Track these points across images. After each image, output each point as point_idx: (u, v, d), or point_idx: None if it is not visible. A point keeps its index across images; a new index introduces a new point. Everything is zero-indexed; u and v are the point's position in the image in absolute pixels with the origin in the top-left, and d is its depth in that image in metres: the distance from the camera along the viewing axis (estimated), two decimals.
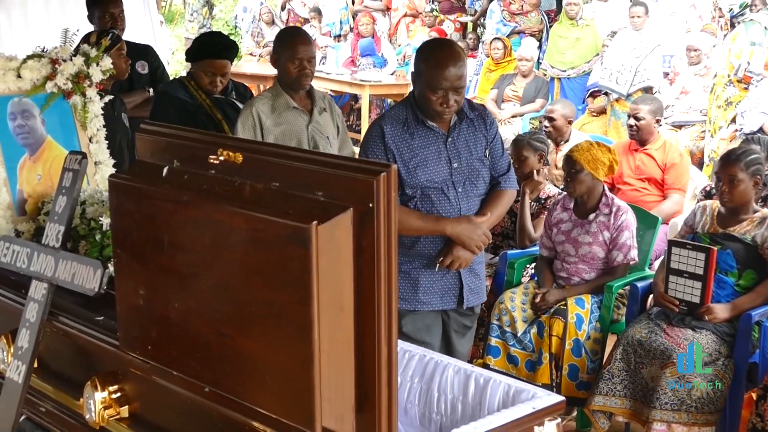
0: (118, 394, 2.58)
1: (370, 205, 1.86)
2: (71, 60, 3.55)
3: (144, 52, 6.11)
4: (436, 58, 3.69)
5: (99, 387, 2.56)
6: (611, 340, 4.60)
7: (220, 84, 5.11)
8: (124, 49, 5.19)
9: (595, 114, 9.82)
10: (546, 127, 6.87)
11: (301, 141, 4.50)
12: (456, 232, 3.76)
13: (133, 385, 2.57)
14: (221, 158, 2.14)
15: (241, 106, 5.11)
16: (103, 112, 3.69)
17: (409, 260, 3.85)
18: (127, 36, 5.67)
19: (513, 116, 9.89)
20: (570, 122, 6.83)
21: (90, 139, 3.66)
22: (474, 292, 3.99)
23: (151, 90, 5.86)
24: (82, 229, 3.08)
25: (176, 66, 18.66)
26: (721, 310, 4.27)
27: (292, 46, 4.50)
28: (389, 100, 12.72)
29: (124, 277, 2.39)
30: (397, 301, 1.92)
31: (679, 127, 9.15)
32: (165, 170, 2.30)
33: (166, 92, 5.27)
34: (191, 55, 5.25)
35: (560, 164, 5.81)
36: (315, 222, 1.85)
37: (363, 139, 3.97)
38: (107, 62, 3.64)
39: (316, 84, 12.57)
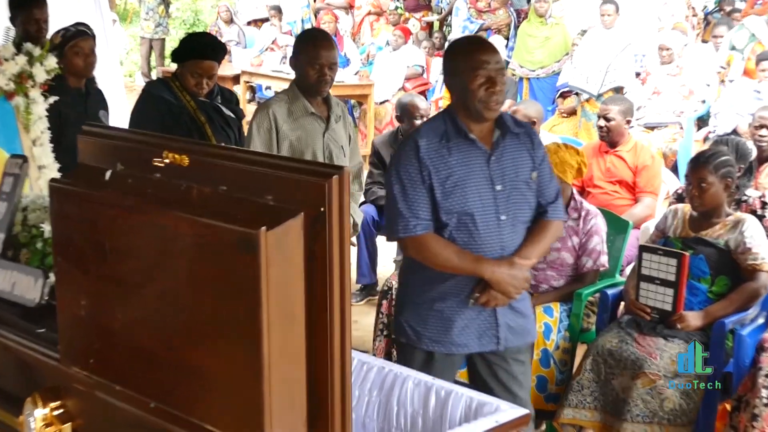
0: (60, 411, 2.53)
1: (322, 209, 1.84)
2: (13, 59, 3.51)
3: None
4: (471, 52, 3.48)
5: (40, 403, 2.51)
6: (581, 350, 4.61)
7: (206, 86, 5.04)
8: (81, 46, 5.27)
9: (565, 115, 9.87)
10: None
11: (315, 150, 4.51)
12: (496, 277, 3.49)
13: (75, 401, 2.52)
14: (166, 161, 2.11)
15: (226, 111, 5.19)
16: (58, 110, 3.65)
17: (440, 297, 3.60)
18: None
19: None
20: (534, 123, 6.80)
21: (33, 142, 3.63)
22: (515, 332, 3.68)
23: None
24: (24, 236, 3.03)
25: (131, 66, 18.57)
26: (693, 318, 4.29)
27: (313, 49, 4.50)
28: (352, 102, 12.71)
29: (65, 286, 2.35)
30: (350, 308, 1.90)
31: (652, 128, 9.20)
32: (108, 174, 2.26)
33: (149, 92, 5.20)
34: (177, 55, 5.17)
35: None
36: (263, 227, 1.82)
37: (394, 157, 3.70)
38: (52, 62, 3.61)
39: (276, 85, 12.60)
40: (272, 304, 1.86)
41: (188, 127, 4.97)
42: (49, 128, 3.66)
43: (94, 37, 5.53)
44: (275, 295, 1.86)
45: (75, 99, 5.44)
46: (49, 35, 5.57)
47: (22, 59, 3.51)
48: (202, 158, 2.09)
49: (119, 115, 7.38)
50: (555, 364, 4.56)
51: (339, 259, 1.87)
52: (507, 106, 9.56)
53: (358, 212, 4.92)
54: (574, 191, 4.94)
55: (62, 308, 2.37)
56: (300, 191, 1.88)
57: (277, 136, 4.47)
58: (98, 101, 5.69)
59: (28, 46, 3.63)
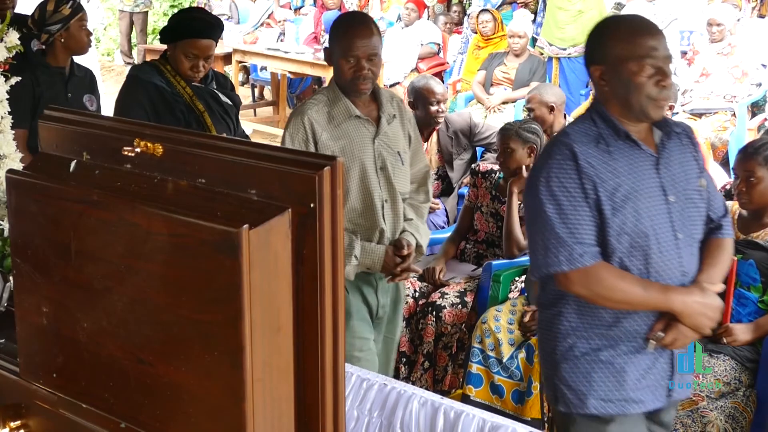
0: (21, 431, 2.56)
1: (312, 205, 1.85)
2: None
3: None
4: (636, 35, 3.21)
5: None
6: None
7: (203, 69, 4.97)
8: (86, 20, 5.33)
9: None
10: (528, 117, 6.84)
11: (365, 160, 4.20)
12: (689, 309, 3.19)
13: (38, 420, 2.54)
14: (137, 150, 2.12)
15: (223, 97, 5.11)
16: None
17: (610, 343, 3.27)
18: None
19: (504, 102, 9.89)
20: (553, 109, 6.77)
21: None
22: (684, 380, 3.42)
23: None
24: None
25: (109, 44, 18.62)
26: (741, 332, 4.29)
27: (345, 38, 4.16)
28: None
29: (25, 291, 2.36)
30: (343, 318, 1.91)
31: (699, 115, 9.18)
32: (73, 164, 2.27)
33: (137, 77, 5.05)
34: (168, 34, 5.04)
35: None
36: (246, 226, 1.83)
37: (539, 170, 3.28)
38: (13, 37, 3.62)
39: (272, 65, 12.59)
40: (256, 312, 1.87)
41: (185, 118, 4.91)
42: (10, 112, 3.66)
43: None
44: (259, 303, 1.87)
45: (54, 79, 5.49)
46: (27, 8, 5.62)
47: None
48: (177, 147, 2.10)
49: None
50: None
51: (331, 262, 1.88)
52: (522, 91, 9.56)
53: (424, 230, 4.42)
54: None
55: (22, 316, 2.39)
56: (287, 185, 1.89)
57: (316, 148, 4.15)
58: (84, 84, 5.71)
59: None
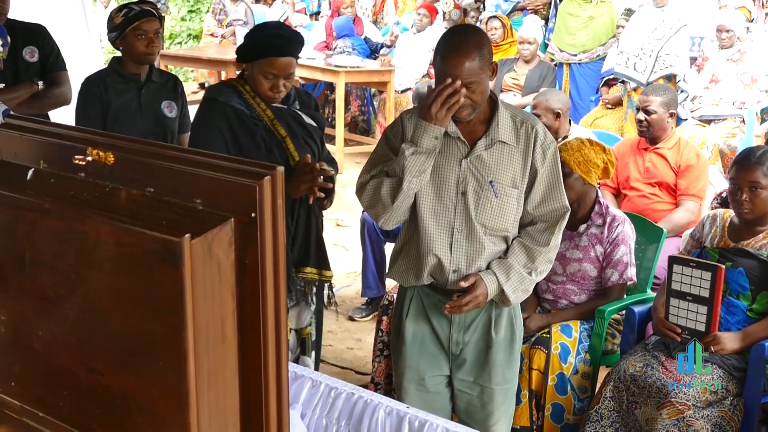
0: None
1: (253, 215, 1.84)
2: None
3: (34, 34, 5.94)
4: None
5: None
6: (604, 375, 4.59)
7: (283, 89, 4.59)
8: (145, 29, 5.28)
9: (609, 106, 9.83)
10: None
11: (445, 180, 3.88)
12: None
13: (6, 428, 2.54)
14: (89, 158, 2.11)
15: (306, 119, 4.74)
16: None
17: None
18: (51, 17, 5.64)
19: None
20: (559, 116, 6.75)
21: None
22: None
23: (40, 83, 5.79)
24: None
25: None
26: (729, 340, 4.26)
27: (442, 63, 3.75)
28: (372, 90, 12.71)
29: None
30: (286, 329, 1.90)
31: (708, 122, 9.15)
32: (30, 173, 2.27)
33: (214, 100, 4.67)
34: (245, 53, 4.67)
35: None
36: (187, 235, 1.82)
37: None
38: None
39: None
40: (199, 322, 1.86)
41: (266, 144, 4.58)
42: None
43: (161, 18, 5.47)
44: (203, 313, 1.86)
45: (127, 86, 5.43)
46: (20, 15, 5.62)
47: None
48: (128, 156, 2.10)
49: None
50: (573, 390, 4.55)
51: (273, 272, 1.87)
52: (531, 97, 9.56)
53: (517, 277, 3.88)
54: (599, 194, 4.93)
55: None
56: (231, 194, 1.88)
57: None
58: (164, 90, 5.58)
59: None
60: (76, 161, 2.13)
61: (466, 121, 3.82)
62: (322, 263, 4.69)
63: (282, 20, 14.79)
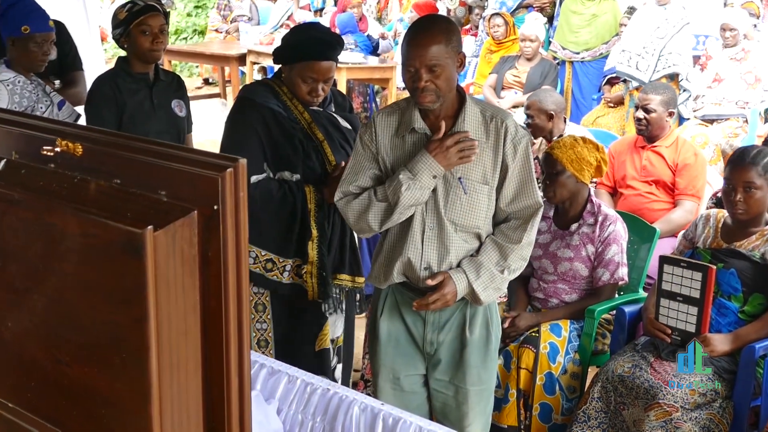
0: None
1: (216, 207, 1.85)
2: None
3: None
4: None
5: None
6: (592, 375, 4.59)
7: (322, 93, 4.51)
8: (149, 24, 5.18)
9: (611, 105, 9.82)
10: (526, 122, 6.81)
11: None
12: None
13: None
14: (57, 149, 2.12)
15: (342, 122, 4.65)
16: None
17: None
18: (49, 12, 5.57)
19: (514, 106, 9.86)
20: (551, 117, 6.70)
21: None
22: None
23: (57, 81, 5.74)
24: None
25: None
26: (720, 342, 4.26)
27: (405, 45, 3.75)
28: (375, 87, 12.71)
29: None
30: (248, 322, 1.91)
31: (711, 121, 9.13)
32: (2, 164, 2.28)
33: (250, 99, 4.58)
34: (284, 55, 4.59)
35: None
36: (150, 227, 1.83)
37: None
38: None
39: None
40: (162, 314, 1.86)
41: (304, 147, 4.48)
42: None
43: (165, 14, 5.37)
44: (165, 306, 1.87)
45: (138, 86, 5.32)
46: None
47: None
48: (95, 147, 2.10)
49: None
50: (561, 390, 4.56)
51: (235, 265, 1.88)
52: (525, 96, 9.55)
53: (488, 276, 3.83)
54: (591, 192, 4.94)
55: None
56: (194, 186, 1.89)
57: (377, 156, 3.91)
58: (171, 89, 5.49)
59: None
60: (45, 152, 2.14)
61: (435, 116, 3.79)
62: (356, 270, 4.63)
63: (287, 16, 14.82)
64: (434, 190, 3.77)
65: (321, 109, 4.61)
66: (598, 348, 4.76)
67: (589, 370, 4.70)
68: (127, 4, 5.24)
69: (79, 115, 5.19)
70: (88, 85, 5.54)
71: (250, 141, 4.41)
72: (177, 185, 1.92)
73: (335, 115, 4.66)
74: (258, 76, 14.30)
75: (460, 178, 3.78)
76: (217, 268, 1.87)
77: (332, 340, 4.63)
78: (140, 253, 1.84)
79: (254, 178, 4.40)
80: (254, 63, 12.99)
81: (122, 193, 2.00)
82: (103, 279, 1.96)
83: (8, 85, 4.68)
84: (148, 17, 5.20)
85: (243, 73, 13.47)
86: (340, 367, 4.71)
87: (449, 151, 3.66)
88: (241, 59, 12.89)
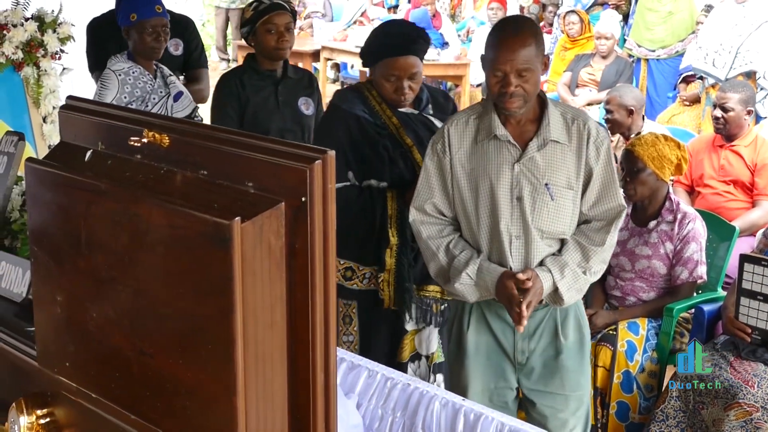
0: (47, 419, 2.56)
1: (303, 198, 1.82)
2: (22, 26, 3.56)
3: (180, 26, 5.86)
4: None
5: (25, 410, 2.55)
6: (670, 374, 4.52)
7: (409, 91, 4.32)
8: (276, 23, 5.14)
9: (687, 103, 9.68)
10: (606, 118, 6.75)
11: (497, 187, 3.68)
12: None
13: (64, 409, 2.55)
14: (144, 140, 2.11)
15: (438, 124, 4.36)
16: None
17: None
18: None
19: (589, 104, 9.77)
20: (632, 113, 6.62)
21: (44, 119, 3.68)
22: None
23: (181, 77, 5.68)
24: (17, 224, 3.08)
25: (206, 40, 18.68)
26: None
27: (493, 48, 3.60)
28: (448, 84, 12.67)
29: (41, 280, 2.37)
30: (335, 314, 1.88)
31: None
32: (88, 154, 2.28)
33: (338, 107, 4.49)
34: (367, 55, 4.48)
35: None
36: (238, 218, 1.81)
37: None
38: (66, 29, 3.65)
39: (358, 62, 12.63)
40: (248, 306, 1.85)
41: (390, 154, 4.35)
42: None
43: (293, 13, 5.34)
44: (252, 297, 1.85)
45: (264, 83, 5.29)
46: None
47: (32, 25, 3.55)
48: (182, 138, 2.09)
49: None
50: (639, 388, 4.50)
51: (322, 257, 1.85)
52: (600, 94, 9.48)
53: (572, 275, 3.69)
54: (670, 190, 4.86)
55: (38, 304, 2.40)
56: (281, 178, 1.87)
57: (450, 164, 3.75)
58: (300, 87, 5.42)
59: (41, 9, 3.67)
60: (132, 143, 2.13)
61: (516, 121, 3.67)
62: None
63: (360, 13, 14.80)
64: (520, 199, 3.64)
65: (416, 112, 4.44)
66: (676, 347, 4.69)
67: (667, 368, 4.63)
68: (253, 2, 5.22)
69: (196, 108, 5.17)
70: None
71: (332, 149, 4.30)
72: (264, 177, 1.91)
73: (431, 117, 4.47)
74: (331, 73, 14.34)
75: (546, 184, 3.65)
76: (304, 261, 1.85)
77: (427, 357, 4.47)
78: (227, 245, 1.82)
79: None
80: (328, 59, 13.02)
81: (209, 185, 1.99)
82: (188, 270, 1.95)
83: (120, 75, 4.67)
84: (273, 15, 5.16)
85: (316, 69, 13.47)
86: (436, 383, 4.45)
87: (509, 301, 3.59)
88: (315, 55, 12.90)
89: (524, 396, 3.90)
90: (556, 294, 3.67)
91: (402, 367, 4.34)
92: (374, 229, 4.29)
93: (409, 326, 4.41)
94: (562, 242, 3.73)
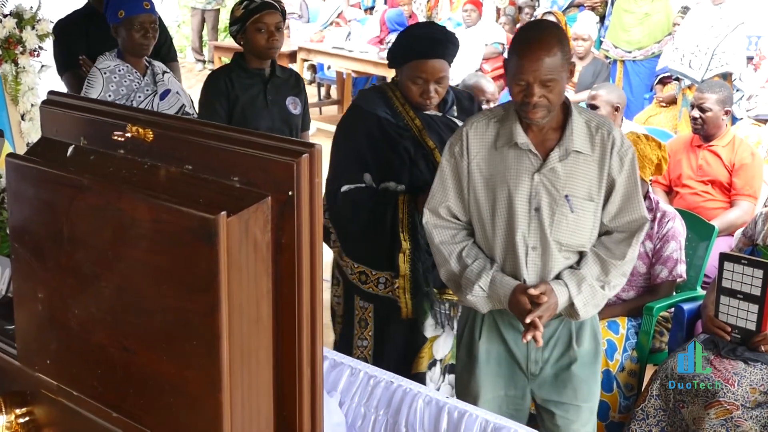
0: (26, 418, 2.54)
1: (290, 193, 1.81)
2: (0, 22, 3.54)
3: None
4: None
5: (3, 409, 2.52)
6: (651, 373, 4.53)
7: (435, 94, 4.23)
8: (266, 22, 5.09)
9: (664, 104, 9.71)
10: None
11: (515, 196, 3.56)
12: None
13: (44, 408, 2.53)
14: (128, 135, 2.09)
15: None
16: None
17: None
18: None
19: None
20: (617, 110, 6.64)
21: (22, 117, 3.65)
22: None
23: None
24: None
25: (181, 41, 18.62)
26: None
27: (518, 57, 3.45)
28: None
29: (22, 277, 2.35)
30: (321, 309, 1.87)
31: (764, 121, 8.99)
32: (70, 149, 2.26)
33: (359, 107, 4.44)
34: (395, 57, 4.37)
35: None
36: (223, 213, 1.80)
37: None
38: (45, 25, 3.63)
39: (337, 64, 12.62)
40: (234, 301, 1.83)
41: (411, 156, 4.28)
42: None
43: (283, 12, 5.31)
44: (238, 292, 1.84)
45: (252, 81, 5.25)
46: None
47: (10, 22, 3.53)
48: (167, 133, 2.07)
49: None
50: (619, 387, 4.50)
51: (309, 252, 1.84)
52: (584, 94, 9.49)
53: (589, 290, 3.60)
54: (650, 189, 4.87)
55: (19, 302, 2.38)
56: (268, 172, 1.85)
57: (468, 168, 3.67)
58: (287, 86, 5.38)
59: (20, 6, 3.64)
60: (116, 137, 2.11)
61: (538, 129, 3.54)
62: None
63: (336, 14, 14.78)
64: (538, 210, 3.52)
65: (438, 114, 4.35)
66: (656, 346, 4.70)
67: (647, 367, 4.63)
68: (243, 1, 5.17)
69: (183, 106, 5.14)
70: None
71: (349, 150, 4.29)
72: (250, 171, 1.89)
73: (455, 119, 4.36)
74: (308, 74, 14.31)
75: (566, 196, 3.52)
76: (291, 256, 1.84)
77: (440, 360, 4.41)
78: (213, 240, 1.80)
79: (345, 188, 4.22)
80: (304, 60, 13.00)
81: (194, 179, 1.97)
82: (173, 265, 1.93)
83: (105, 73, 4.64)
84: (264, 14, 5.11)
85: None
86: (444, 385, 4.42)
87: (522, 315, 3.47)
88: (292, 56, 12.88)
89: (539, 406, 3.84)
90: (572, 308, 3.57)
91: (420, 378, 4.23)
92: (385, 233, 4.19)
93: (429, 333, 4.33)
94: (581, 254, 3.62)
